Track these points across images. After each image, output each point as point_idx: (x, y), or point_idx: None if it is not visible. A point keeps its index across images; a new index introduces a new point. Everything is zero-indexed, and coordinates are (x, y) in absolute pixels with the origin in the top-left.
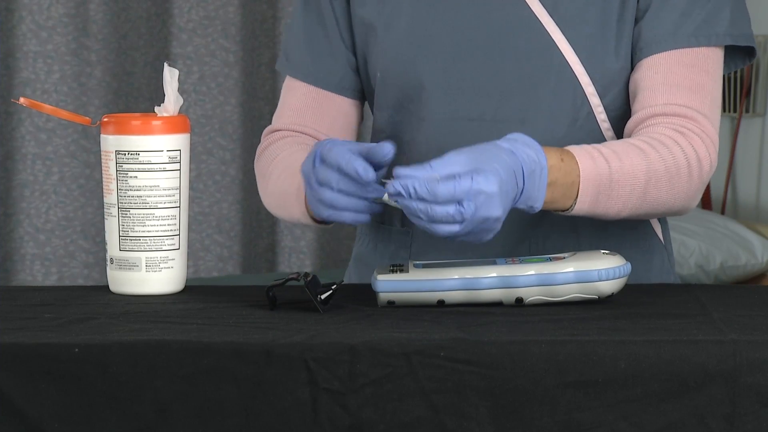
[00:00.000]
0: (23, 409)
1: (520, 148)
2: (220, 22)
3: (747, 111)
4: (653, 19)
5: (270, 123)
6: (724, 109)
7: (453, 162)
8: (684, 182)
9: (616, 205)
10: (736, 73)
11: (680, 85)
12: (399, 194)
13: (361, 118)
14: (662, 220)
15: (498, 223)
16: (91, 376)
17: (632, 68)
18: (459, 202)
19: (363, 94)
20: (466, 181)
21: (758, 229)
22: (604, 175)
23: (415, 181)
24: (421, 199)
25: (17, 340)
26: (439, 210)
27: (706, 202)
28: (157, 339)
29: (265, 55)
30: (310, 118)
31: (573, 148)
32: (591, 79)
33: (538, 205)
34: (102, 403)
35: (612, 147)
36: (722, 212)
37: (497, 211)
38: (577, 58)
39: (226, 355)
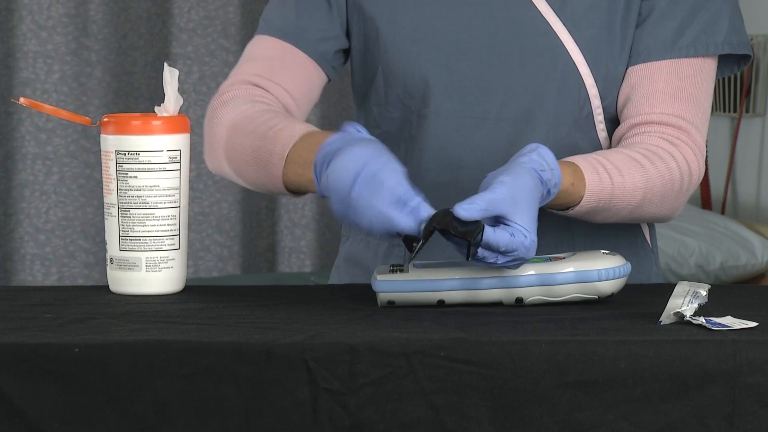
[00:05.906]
0: (23, 409)
1: (547, 176)
2: (220, 22)
3: (747, 111)
4: (654, 26)
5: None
6: (723, 110)
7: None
8: (674, 195)
9: (608, 215)
10: (735, 72)
11: (676, 96)
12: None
13: (317, 97)
14: (651, 225)
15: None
16: (91, 376)
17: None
18: (499, 251)
19: (334, 75)
20: (518, 239)
21: (758, 229)
22: (606, 191)
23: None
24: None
25: (17, 340)
26: (479, 251)
27: (706, 202)
28: (157, 339)
29: None
30: (279, 72)
31: (581, 163)
32: (595, 80)
33: None
34: (102, 403)
35: (616, 162)
36: (722, 212)
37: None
38: (583, 59)
39: (226, 355)
